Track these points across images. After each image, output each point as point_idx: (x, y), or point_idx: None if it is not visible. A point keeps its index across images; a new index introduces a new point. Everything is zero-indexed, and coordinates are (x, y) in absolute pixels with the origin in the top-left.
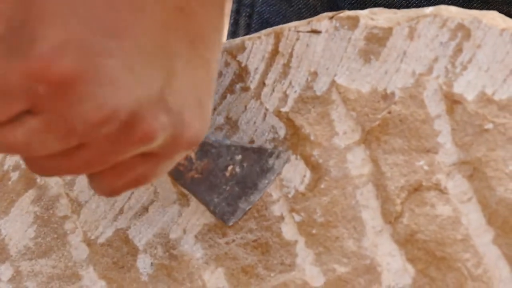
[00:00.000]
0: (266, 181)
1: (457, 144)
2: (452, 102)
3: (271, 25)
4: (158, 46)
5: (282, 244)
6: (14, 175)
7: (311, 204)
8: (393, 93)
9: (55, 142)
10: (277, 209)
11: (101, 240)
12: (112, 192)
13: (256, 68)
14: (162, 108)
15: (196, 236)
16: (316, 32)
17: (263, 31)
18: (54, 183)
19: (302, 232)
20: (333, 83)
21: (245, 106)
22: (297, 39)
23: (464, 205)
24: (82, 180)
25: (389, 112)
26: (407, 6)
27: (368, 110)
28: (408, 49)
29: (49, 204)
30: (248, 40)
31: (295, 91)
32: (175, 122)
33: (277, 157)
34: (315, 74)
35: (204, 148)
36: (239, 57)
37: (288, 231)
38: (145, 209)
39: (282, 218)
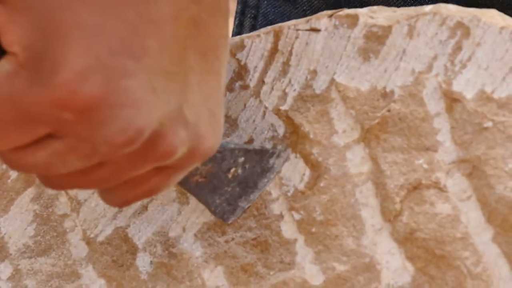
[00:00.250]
0: (266, 180)
1: (456, 142)
2: (452, 100)
3: None
4: (175, 61)
5: (281, 242)
6: (14, 173)
7: (311, 203)
8: (392, 91)
9: (77, 163)
10: (277, 207)
11: (100, 238)
12: (124, 204)
13: (256, 66)
14: (181, 123)
15: (195, 235)
16: (315, 30)
17: (262, 29)
18: None
19: (301, 230)
20: (332, 81)
21: (244, 104)
22: (297, 37)
23: (464, 203)
24: None
25: (389, 110)
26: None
27: (368, 108)
28: (408, 47)
29: (49, 202)
30: (248, 38)
31: (295, 90)
32: (192, 136)
33: (278, 156)
34: (314, 72)
35: None
36: (239, 55)
37: (288, 229)
38: (145, 207)
39: (281, 216)
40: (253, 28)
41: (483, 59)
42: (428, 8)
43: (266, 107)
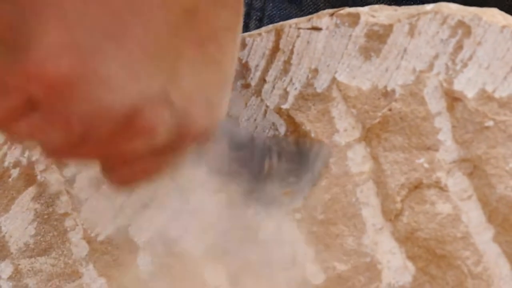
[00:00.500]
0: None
1: (457, 141)
2: (453, 99)
3: None
4: (162, 47)
5: (282, 241)
6: (15, 172)
7: (311, 202)
8: (393, 90)
9: (57, 136)
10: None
11: (101, 237)
12: (123, 182)
13: (257, 65)
14: (163, 104)
15: (196, 234)
16: (316, 29)
17: (263, 28)
18: (55, 180)
19: (302, 229)
20: (333, 80)
21: (246, 103)
22: (298, 36)
23: (464, 202)
24: (82, 178)
25: (390, 110)
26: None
27: (369, 107)
28: (409, 46)
29: (50, 201)
30: (249, 37)
31: (296, 88)
32: (179, 116)
33: (317, 149)
34: (315, 71)
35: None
36: (240, 54)
37: (288, 228)
38: (146, 206)
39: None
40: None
41: (484, 58)
42: (429, 7)
43: (267, 106)
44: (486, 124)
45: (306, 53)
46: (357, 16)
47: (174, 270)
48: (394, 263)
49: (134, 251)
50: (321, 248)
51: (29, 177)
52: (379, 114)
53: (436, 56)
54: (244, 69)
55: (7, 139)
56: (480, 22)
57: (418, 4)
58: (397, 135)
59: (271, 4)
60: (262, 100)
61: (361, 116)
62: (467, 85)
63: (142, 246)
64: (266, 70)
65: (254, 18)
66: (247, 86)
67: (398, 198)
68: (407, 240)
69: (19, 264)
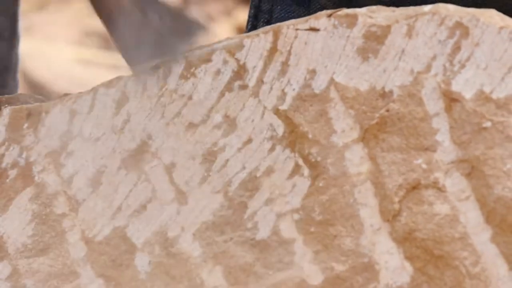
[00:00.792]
0: (183, 45)
1: (455, 142)
2: (451, 100)
3: None
4: None
5: (280, 242)
6: (12, 173)
7: (309, 202)
8: (391, 91)
9: None
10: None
11: (99, 238)
12: None
13: (255, 66)
14: None
15: (194, 234)
16: (314, 30)
17: (261, 29)
18: (52, 181)
19: (300, 230)
20: (331, 81)
21: (244, 104)
22: (296, 37)
23: (462, 203)
24: (80, 178)
25: (388, 110)
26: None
27: (367, 108)
28: (407, 47)
29: (47, 202)
30: (247, 38)
31: (294, 89)
32: None
33: (196, 24)
34: (313, 72)
35: None
36: (238, 55)
37: (286, 229)
38: (143, 207)
39: (280, 216)
40: None
41: (482, 59)
42: (427, 8)
43: (265, 107)
44: (484, 125)
45: (304, 54)
46: (355, 17)
47: (172, 270)
48: (392, 263)
49: (132, 251)
50: (319, 248)
51: (26, 178)
52: (377, 115)
53: (434, 57)
54: (241, 70)
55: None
56: (478, 23)
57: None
58: (395, 136)
59: (279, 7)
60: (260, 101)
61: (359, 117)
62: (465, 86)
63: (140, 246)
64: (264, 71)
65: (262, 21)
66: (244, 87)
67: (396, 199)
68: (405, 240)
69: (17, 265)
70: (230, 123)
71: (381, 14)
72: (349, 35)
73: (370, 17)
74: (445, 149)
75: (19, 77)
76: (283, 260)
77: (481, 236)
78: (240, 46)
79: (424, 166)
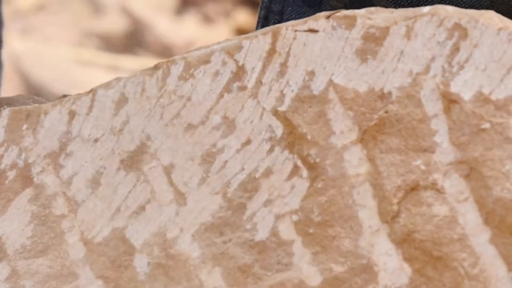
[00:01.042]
0: None
1: (454, 143)
2: (449, 101)
3: None
4: None
5: (279, 243)
6: (11, 174)
7: (308, 204)
8: (390, 93)
9: None
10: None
11: (98, 239)
12: None
13: (253, 67)
14: None
15: (193, 235)
16: (313, 31)
17: (260, 30)
18: (51, 182)
19: (299, 231)
20: (330, 82)
21: (242, 105)
22: (294, 38)
23: (461, 204)
24: (79, 179)
25: (386, 112)
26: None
27: (365, 109)
28: (405, 49)
29: (46, 203)
30: (245, 39)
31: (292, 90)
32: None
33: None
34: (312, 73)
35: None
36: (236, 56)
37: (285, 230)
38: (142, 208)
39: (279, 217)
40: None
41: (480, 61)
42: (426, 9)
43: (264, 108)
44: (483, 126)
45: (303, 55)
46: (353, 19)
47: (171, 271)
48: (390, 264)
49: (131, 252)
50: (318, 250)
51: (25, 179)
52: (376, 116)
53: (433, 59)
54: (240, 71)
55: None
56: (476, 25)
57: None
58: (394, 137)
59: (290, 8)
60: (258, 102)
61: (358, 118)
62: (463, 87)
63: (138, 248)
64: (262, 72)
65: (272, 22)
66: (243, 88)
67: (395, 200)
68: (404, 242)
69: (16, 266)
70: (229, 124)
71: (379, 16)
72: (348, 37)
73: (369, 18)
74: (443, 151)
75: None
76: (282, 261)
77: (480, 237)
78: (239, 47)
79: (422, 167)
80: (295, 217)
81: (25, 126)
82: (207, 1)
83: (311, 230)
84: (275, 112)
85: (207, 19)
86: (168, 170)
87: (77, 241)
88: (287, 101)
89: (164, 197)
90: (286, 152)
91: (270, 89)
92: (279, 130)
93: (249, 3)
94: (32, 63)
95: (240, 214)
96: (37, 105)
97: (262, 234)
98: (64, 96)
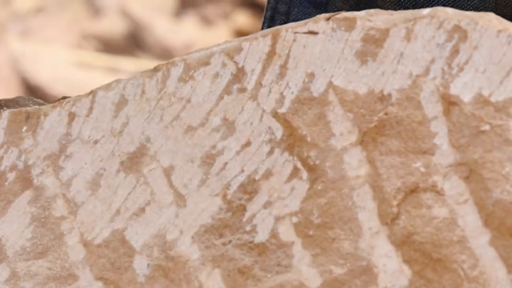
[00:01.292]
0: None
1: (453, 145)
2: (449, 103)
3: None
4: None
5: (278, 245)
6: (11, 176)
7: (308, 205)
8: (390, 95)
9: None
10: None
11: (97, 241)
12: None
13: (253, 69)
14: None
15: (192, 237)
16: (313, 33)
17: (260, 32)
18: (51, 184)
19: (299, 233)
20: (330, 84)
21: (242, 107)
22: (294, 40)
23: (461, 206)
24: (79, 181)
25: (386, 114)
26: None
27: (365, 111)
28: (405, 51)
29: (46, 205)
30: (245, 41)
31: (292, 92)
32: None
33: None
34: (312, 75)
35: None
36: (236, 58)
37: (285, 232)
38: (142, 210)
39: (279, 219)
40: None
41: (480, 62)
42: (425, 11)
43: (263, 110)
44: (482, 128)
45: (303, 57)
46: (353, 21)
47: (171, 273)
48: (390, 266)
49: (131, 254)
50: (317, 251)
51: (25, 181)
52: (376, 118)
53: (433, 61)
54: (240, 73)
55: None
56: (476, 27)
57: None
58: (394, 139)
59: (296, 9)
60: (258, 104)
61: (358, 120)
62: (463, 89)
63: (138, 249)
64: (262, 74)
65: (278, 23)
66: (243, 90)
67: (395, 202)
68: (403, 243)
69: (15, 268)
70: (228, 126)
71: (379, 18)
72: (348, 39)
73: (369, 20)
74: (443, 153)
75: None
76: (282, 263)
77: (479, 239)
78: (239, 49)
79: (422, 169)
80: (295, 219)
81: (24, 128)
82: (206, 3)
83: (311, 232)
84: (275, 114)
85: (207, 21)
86: (167, 172)
87: (77, 242)
88: (287, 103)
89: (163, 199)
90: (286, 154)
91: (270, 91)
92: (279, 132)
93: (249, 5)
94: (32, 65)
95: (239, 216)
96: (36, 107)
97: (262, 236)
98: (64, 97)
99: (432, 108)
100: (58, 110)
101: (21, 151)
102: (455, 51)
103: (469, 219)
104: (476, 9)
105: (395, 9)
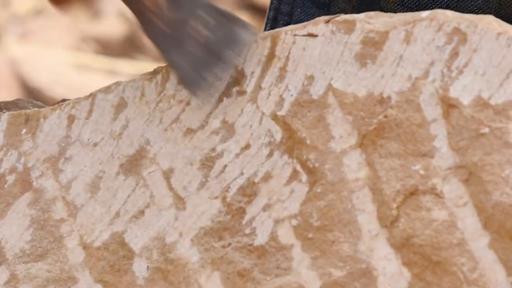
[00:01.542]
0: (231, 53)
1: (453, 148)
2: (448, 106)
3: None
4: None
5: (278, 248)
6: (10, 178)
7: (307, 208)
8: (389, 97)
9: None
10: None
11: (97, 243)
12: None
13: (253, 72)
14: None
15: (192, 240)
16: (312, 35)
17: (259, 35)
18: (50, 187)
19: (298, 236)
20: (329, 87)
21: (242, 110)
22: (294, 42)
23: (460, 209)
24: (78, 184)
25: (385, 116)
26: None
27: (364, 114)
28: (405, 53)
29: (45, 207)
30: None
31: (292, 95)
32: None
33: (245, 28)
34: (311, 78)
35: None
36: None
37: (284, 234)
38: (141, 212)
39: (278, 221)
40: None
41: (480, 65)
42: (425, 14)
43: (263, 113)
44: (482, 131)
45: (302, 60)
46: (353, 23)
47: (170, 276)
48: (389, 269)
49: (130, 257)
50: (317, 254)
51: (25, 184)
52: (375, 120)
53: (432, 63)
54: (239, 75)
55: None
56: (476, 29)
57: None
58: (393, 142)
59: (299, 10)
60: (258, 106)
61: (357, 122)
62: (462, 92)
63: (138, 252)
64: (262, 77)
65: (281, 23)
66: (242, 93)
67: (394, 205)
68: (403, 246)
69: (15, 270)
70: (228, 128)
71: (379, 20)
72: (347, 41)
73: (368, 23)
74: (442, 155)
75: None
76: (281, 266)
77: (479, 242)
78: None
79: (422, 172)
80: (294, 222)
81: (24, 130)
82: None
83: (310, 235)
84: (274, 117)
85: None
86: (167, 175)
87: (76, 245)
88: (286, 105)
89: (163, 202)
90: (285, 157)
91: (269, 94)
92: (278, 135)
93: (248, 8)
94: (31, 67)
95: (239, 219)
96: (36, 109)
97: (261, 238)
98: (63, 100)
99: (432, 110)
100: (58, 113)
101: (20, 153)
102: (455, 54)
103: (469, 222)
104: (480, 9)
105: (398, 9)
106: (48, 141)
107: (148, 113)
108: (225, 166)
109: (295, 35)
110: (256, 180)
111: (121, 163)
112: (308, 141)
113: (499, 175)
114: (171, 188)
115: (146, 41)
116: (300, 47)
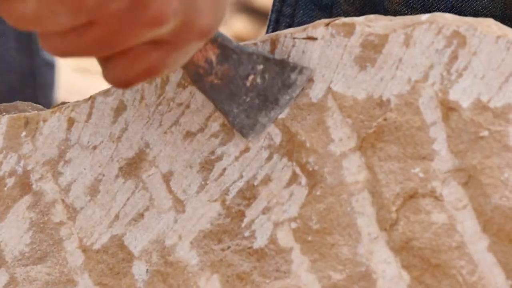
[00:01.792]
0: (288, 97)
1: (452, 151)
2: (448, 109)
3: None
4: None
5: (277, 251)
6: (10, 181)
7: (307, 211)
8: (388, 100)
9: (64, 16)
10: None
11: (96, 246)
12: (125, 82)
13: None
14: None
15: (191, 243)
16: (312, 38)
17: (259, 38)
18: (50, 189)
19: (297, 239)
20: (329, 90)
21: None
22: (293, 45)
23: (459, 212)
24: (78, 186)
25: (385, 119)
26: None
27: (364, 117)
28: (404, 56)
29: (45, 210)
30: (245, 46)
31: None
32: (187, 9)
33: (300, 72)
34: (311, 81)
35: (225, 53)
36: None
37: (284, 237)
38: (141, 215)
39: (277, 224)
40: None
41: (479, 68)
42: (424, 17)
43: None
44: (481, 134)
45: (302, 63)
46: (352, 26)
47: (169, 278)
48: (389, 272)
49: (130, 260)
50: (316, 257)
51: (24, 186)
52: (374, 123)
53: (431, 66)
54: None
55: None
56: (475, 33)
57: None
58: (392, 145)
59: (301, 11)
60: None
61: (356, 125)
62: (462, 95)
63: (137, 255)
64: None
65: (283, 25)
66: None
67: (393, 208)
68: (402, 249)
69: (14, 273)
70: (227, 131)
71: (378, 23)
72: (347, 44)
73: (368, 26)
74: (442, 158)
75: None
76: (281, 269)
77: (478, 245)
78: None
79: (421, 175)
80: (293, 225)
81: (23, 133)
82: None
83: (309, 238)
84: (274, 120)
85: None
86: (166, 178)
87: (76, 248)
88: (286, 108)
89: (162, 204)
90: (285, 160)
91: None
92: (277, 138)
93: (246, 11)
94: None
95: (238, 222)
96: (35, 112)
97: (260, 241)
98: (63, 103)
99: (431, 113)
100: (57, 116)
101: (20, 156)
102: (454, 57)
103: (468, 225)
104: (485, 8)
105: (403, 9)
106: (48, 144)
107: (147, 116)
108: (225, 169)
109: (294, 38)
110: (256, 183)
111: (120, 166)
112: (307, 144)
113: (499, 178)
114: (170, 191)
115: None
116: (300, 50)
